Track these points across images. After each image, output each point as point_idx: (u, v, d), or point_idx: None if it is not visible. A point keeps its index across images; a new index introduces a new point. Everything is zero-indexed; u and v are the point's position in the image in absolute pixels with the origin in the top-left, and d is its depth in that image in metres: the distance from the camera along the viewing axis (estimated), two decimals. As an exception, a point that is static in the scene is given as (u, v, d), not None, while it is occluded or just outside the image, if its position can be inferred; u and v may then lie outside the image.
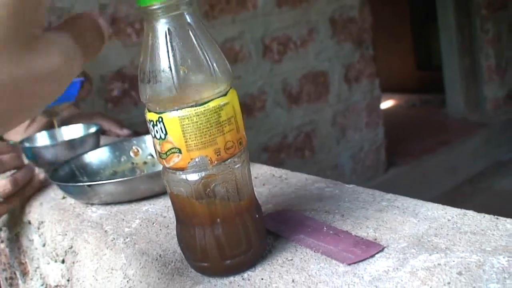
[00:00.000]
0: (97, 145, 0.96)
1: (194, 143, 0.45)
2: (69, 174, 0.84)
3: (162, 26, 0.43)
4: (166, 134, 0.45)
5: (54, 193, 0.85)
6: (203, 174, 0.46)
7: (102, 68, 2.42)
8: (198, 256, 0.49)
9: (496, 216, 0.52)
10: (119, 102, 2.48)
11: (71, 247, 0.71)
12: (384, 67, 4.74)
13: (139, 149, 0.91)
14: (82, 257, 0.67)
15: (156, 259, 0.56)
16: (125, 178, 0.72)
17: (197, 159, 0.45)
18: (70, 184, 0.76)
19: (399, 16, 5.78)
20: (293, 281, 0.47)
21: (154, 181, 0.72)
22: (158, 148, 0.47)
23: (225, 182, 0.47)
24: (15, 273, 1.05)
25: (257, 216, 0.50)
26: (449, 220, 0.53)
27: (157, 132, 0.46)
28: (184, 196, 0.47)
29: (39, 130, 1.15)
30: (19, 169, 0.86)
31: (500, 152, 3.86)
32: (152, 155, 0.90)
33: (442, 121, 4.37)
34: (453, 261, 0.45)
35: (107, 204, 0.74)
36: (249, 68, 2.88)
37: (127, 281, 0.57)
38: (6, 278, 1.10)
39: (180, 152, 0.45)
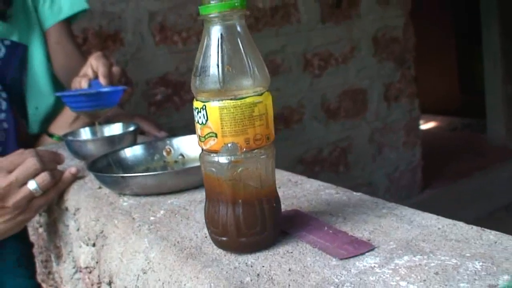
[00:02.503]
0: (134, 143, 1.04)
1: (229, 130, 0.53)
2: (106, 166, 0.91)
3: (216, 31, 0.54)
4: (207, 120, 0.54)
5: (92, 183, 0.93)
6: (232, 158, 0.54)
7: (148, 73, 2.53)
8: (219, 230, 0.57)
9: (482, 228, 0.57)
10: (161, 106, 2.58)
11: (102, 231, 0.78)
12: (428, 88, 4.74)
13: (171, 148, 0.98)
14: (111, 240, 0.75)
15: (174, 245, 0.63)
16: (155, 173, 0.79)
17: (229, 145, 0.54)
18: (107, 174, 0.84)
19: (445, 37, 5.76)
20: (289, 270, 0.53)
21: (181, 177, 0.80)
22: (199, 132, 0.56)
23: (250, 168, 0.55)
24: (50, 256, 1.13)
25: (274, 205, 0.58)
26: (439, 228, 0.58)
27: (200, 118, 0.55)
28: (215, 176, 0.56)
29: (83, 126, 1.24)
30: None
31: (538, 181, 3.81)
32: (182, 155, 0.98)
33: (481, 146, 4.34)
34: (433, 263, 0.50)
35: (137, 195, 0.81)
36: (289, 81, 2.95)
37: (148, 262, 0.64)
38: (41, 261, 1.18)
39: (216, 136, 0.54)
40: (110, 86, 1.11)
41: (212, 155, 0.55)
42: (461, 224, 0.59)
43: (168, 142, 0.99)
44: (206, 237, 0.63)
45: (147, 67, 2.53)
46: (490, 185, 3.64)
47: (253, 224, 0.56)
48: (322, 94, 3.09)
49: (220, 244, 0.58)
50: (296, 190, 0.76)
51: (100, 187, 0.90)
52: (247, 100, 0.54)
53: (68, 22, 1.50)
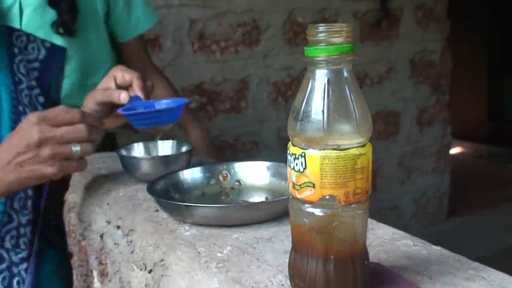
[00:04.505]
0: (188, 163, 1.01)
1: (328, 182, 0.50)
2: (163, 189, 0.89)
3: (322, 75, 0.51)
4: (305, 168, 0.51)
5: (147, 205, 0.91)
6: (329, 211, 0.51)
7: (184, 80, 2.51)
8: (306, 284, 0.53)
9: None
10: (195, 114, 2.56)
11: (162, 260, 0.75)
12: (456, 113, 4.69)
13: (228, 174, 0.95)
14: (173, 272, 0.72)
15: (249, 290, 0.60)
16: (221, 205, 0.76)
17: (327, 197, 0.51)
18: (169, 201, 0.81)
19: (476, 64, 5.69)
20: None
21: (247, 212, 0.77)
22: (293, 179, 0.52)
23: (347, 223, 0.52)
24: (91, 271, 1.10)
25: (366, 262, 0.54)
26: (538, 301, 0.55)
27: (296, 164, 0.51)
28: (306, 227, 0.52)
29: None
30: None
31: None
32: (239, 182, 0.95)
33: (508, 177, 4.28)
34: None
35: (199, 225, 0.79)
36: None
37: (218, 305, 0.61)
38: (80, 274, 1.16)
39: (313, 187, 0.51)
40: (172, 99, 1.07)
41: (306, 205, 0.52)
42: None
43: (225, 167, 0.96)
44: (282, 285, 0.60)
45: (183, 74, 2.51)
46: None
47: (344, 282, 0.53)
48: (356, 114, 3.05)
49: (304, 298, 0.55)
50: (370, 237, 0.72)
51: (157, 210, 0.87)
52: (350, 151, 0.51)
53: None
